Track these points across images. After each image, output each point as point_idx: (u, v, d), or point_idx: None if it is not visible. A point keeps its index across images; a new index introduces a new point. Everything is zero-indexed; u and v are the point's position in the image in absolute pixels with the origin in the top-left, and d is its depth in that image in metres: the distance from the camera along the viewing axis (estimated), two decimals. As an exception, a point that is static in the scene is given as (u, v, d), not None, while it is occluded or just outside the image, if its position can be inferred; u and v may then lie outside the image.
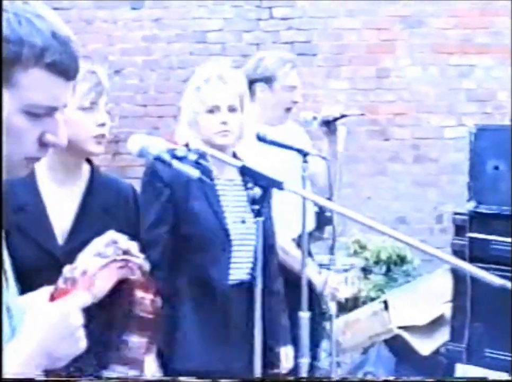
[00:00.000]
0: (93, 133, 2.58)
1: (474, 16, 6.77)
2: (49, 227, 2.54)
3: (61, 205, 2.59)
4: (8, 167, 1.42)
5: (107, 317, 1.76)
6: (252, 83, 3.87)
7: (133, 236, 1.83)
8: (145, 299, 1.79)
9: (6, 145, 1.40)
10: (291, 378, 3.28)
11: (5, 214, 2.33)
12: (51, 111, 1.43)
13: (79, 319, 1.49)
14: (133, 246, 1.78)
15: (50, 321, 1.45)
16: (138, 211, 2.81)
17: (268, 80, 3.88)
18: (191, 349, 3.10)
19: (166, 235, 3.08)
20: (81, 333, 1.49)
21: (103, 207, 2.64)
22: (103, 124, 2.60)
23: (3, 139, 1.39)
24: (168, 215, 3.10)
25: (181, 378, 1.65)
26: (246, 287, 3.10)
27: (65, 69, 1.41)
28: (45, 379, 1.44)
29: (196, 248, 3.11)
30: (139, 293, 1.79)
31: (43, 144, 1.44)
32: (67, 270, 1.61)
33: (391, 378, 4.82)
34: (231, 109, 3.16)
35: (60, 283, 1.57)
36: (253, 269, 3.12)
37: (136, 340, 1.80)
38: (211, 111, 3.15)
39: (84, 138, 2.56)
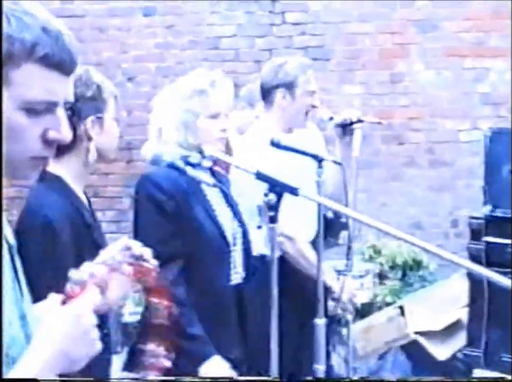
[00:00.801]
0: (117, 142, 2.77)
1: (488, 19, 6.75)
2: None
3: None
4: (13, 168, 1.42)
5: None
6: (271, 88, 3.86)
7: None
8: (160, 306, 1.78)
9: (9, 145, 1.39)
10: (309, 378, 3.26)
11: (79, 233, 2.51)
12: (50, 106, 1.42)
13: (92, 320, 1.49)
14: (147, 252, 1.78)
15: (63, 324, 1.45)
16: None
17: (289, 86, 3.84)
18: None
19: (182, 248, 3.01)
20: (96, 334, 1.49)
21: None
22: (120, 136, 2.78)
23: (6, 139, 1.39)
24: (177, 227, 3.03)
25: (184, 378, 1.64)
26: (240, 289, 3.12)
27: (59, 62, 1.41)
28: (45, 379, 1.43)
29: (202, 255, 3.06)
30: (153, 300, 1.78)
31: (46, 142, 1.44)
32: (73, 274, 1.60)
33: (413, 379, 4.80)
34: (227, 117, 3.17)
35: (69, 287, 1.57)
36: (247, 271, 3.15)
37: (153, 348, 1.79)
38: (213, 117, 3.11)
39: (113, 146, 2.74)
